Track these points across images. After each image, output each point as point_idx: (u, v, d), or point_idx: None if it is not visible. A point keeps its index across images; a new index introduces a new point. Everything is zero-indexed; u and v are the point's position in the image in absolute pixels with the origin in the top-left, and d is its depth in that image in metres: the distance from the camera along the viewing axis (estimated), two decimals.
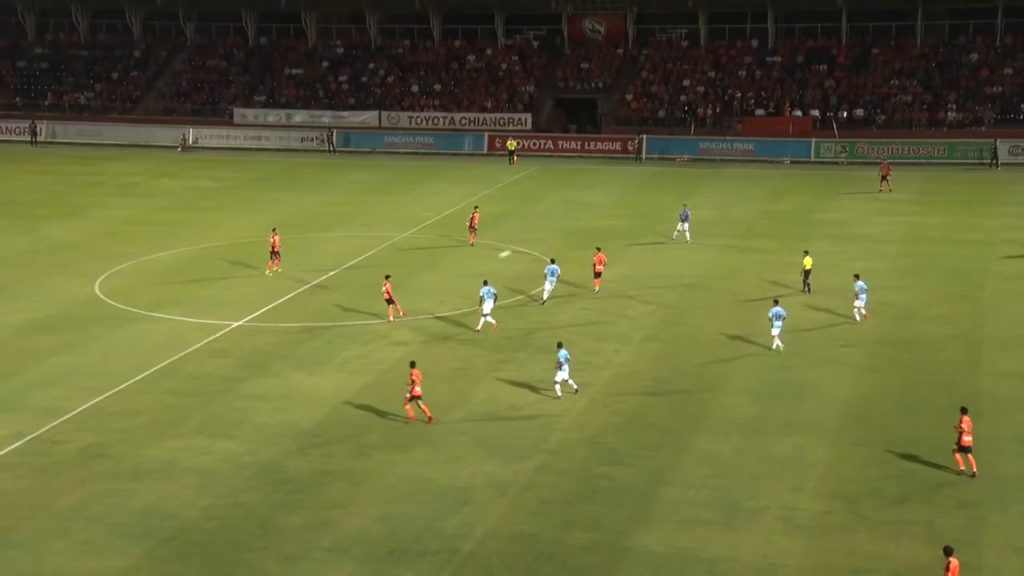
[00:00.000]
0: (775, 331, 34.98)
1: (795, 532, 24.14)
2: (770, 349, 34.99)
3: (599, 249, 43.01)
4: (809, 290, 41.25)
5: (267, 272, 44.75)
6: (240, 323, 38.80)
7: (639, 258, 47.29)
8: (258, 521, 24.92)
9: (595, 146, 76.87)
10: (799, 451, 28.08)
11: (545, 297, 40.42)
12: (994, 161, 68.07)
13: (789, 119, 74.84)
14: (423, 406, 29.74)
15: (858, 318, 37.84)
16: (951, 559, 20.88)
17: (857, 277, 38.39)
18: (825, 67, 78.85)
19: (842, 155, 71.73)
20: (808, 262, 41.55)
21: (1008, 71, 74.78)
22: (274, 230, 45.33)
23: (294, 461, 27.84)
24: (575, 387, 31.62)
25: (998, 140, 68.65)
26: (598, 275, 42.33)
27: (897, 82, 76.10)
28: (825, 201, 58.71)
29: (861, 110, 74.77)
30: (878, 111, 74.09)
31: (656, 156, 74.54)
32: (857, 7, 79.90)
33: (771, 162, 72.09)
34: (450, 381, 33.10)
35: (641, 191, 63.63)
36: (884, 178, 61.01)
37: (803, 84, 78.17)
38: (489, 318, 37.24)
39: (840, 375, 33.26)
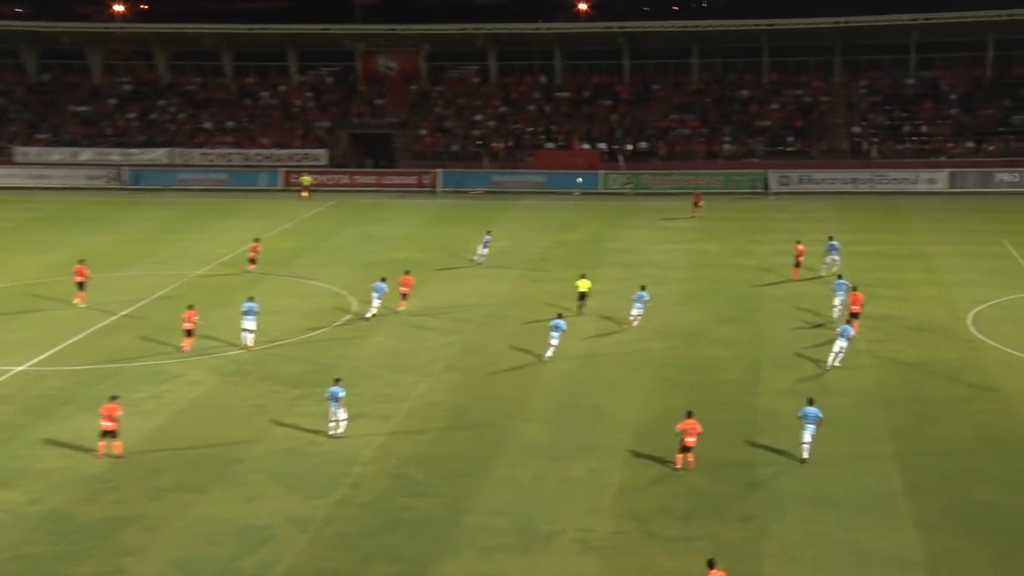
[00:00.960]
0: (553, 341, 37.01)
1: (590, 553, 24.51)
2: (543, 359, 36.52)
3: (407, 272, 43.81)
4: (583, 312, 42.59)
5: (77, 302, 43.57)
6: (24, 367, 36.73)
7: (437, 289, 47.38)
8: (41, 574, 23.51)
9: (391, 180, 76.76)
10: (593, 474, 28.59)
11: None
12: (766, 191, 71.62)
13: (578, 152, 76.72)
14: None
15: (634, 324, 40.60)
16: (713, 571, 21.58)
17: (643, 288, 41.44)
18: (610, 102, 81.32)
19: (628, 186, 73.97)
20: (584, 284, 42.95)
21: (775, 106, 78.99)
22: (81, 261, 43.88)
23: (83, 509, 26.46)
24: (341, 425, 30.68)
25: (769, 171, 72.34)
26: (404, 296, 42.90)
27: (677, 116, 79.19)
28: (613, 230, 60.37)
29: (645, 143, 77.40)
30: (660, 143, 76.84)
31: (451, 189, 75.03)
32: (637, 45, 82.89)
33: (562, 194, 73.68)
34: (248, 418, 32.22)
35: (437, 224, 63.87)
36: (696, 205, 64.04)
37: (590, 118, 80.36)
38: (248, 338, 37.91)
39: (630, 398, 34.09)
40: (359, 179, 77.32)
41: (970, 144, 72.63)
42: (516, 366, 37.16)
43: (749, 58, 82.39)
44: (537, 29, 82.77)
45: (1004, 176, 69.76)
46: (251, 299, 39.12)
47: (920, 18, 76.00)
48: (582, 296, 42.98)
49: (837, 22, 77.20)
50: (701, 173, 73.61)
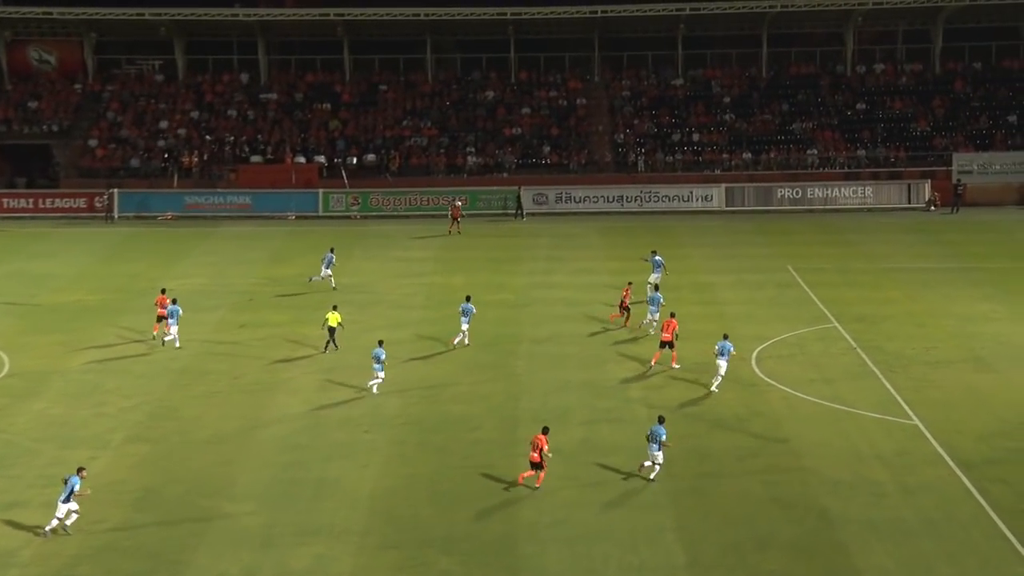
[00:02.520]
0: (379, 374, 39.97)
1: None
2: (365, 390, 39.55)
3: (163, 291, 45.59)
4: (335, 348, 44.15)
5: None
6: None
7: (117, 340, 45.88)
8: None
9: (52, 204, 74.00)
10: (320, 562, 28.36)
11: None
12: (519, 211, 73.36)
13: (291, 167, 76.29)
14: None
15: (461, 342, 44.94)
16: None
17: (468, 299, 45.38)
18: (329, 105, 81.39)
19: (354, 208, 74.05)
20: (334, 318, 44.17)
21: (526, 111, 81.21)
22: None
23: None
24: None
25: (522, 188, 74.13)
26: (161, 319, 44.16)
27: (410, 123, 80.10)
28: (340, 263, 60.24)
29: (373, 155, 77.82)
30: (392, 156, 77.45)
31: (132, 215, 72.96)
32: (360, 37, 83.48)
33: (273, 218, 72.94)
34: None
35: (114, 258, 61.94)
36: (456, 220, 65.01)
37: (305, 125, 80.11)
38: None
39: (364, 467, 34.07)
40: (9, 203, 74.10)
41: (747, 155, 77.03)
42: (219, 434, 36.41)
43: (494, 53, 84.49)
44: (235, 15, 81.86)
45: (785, 192, 74.32)
46: None
47: (687, 8, 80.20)
48: (331, 332, 44.02)
49: (594, 12, 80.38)
50: (442, 191, 74.55)
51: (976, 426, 36.80)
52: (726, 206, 74.22)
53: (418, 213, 73.57)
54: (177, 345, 44.75)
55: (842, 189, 74.45)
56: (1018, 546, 28.90)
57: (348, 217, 73.63)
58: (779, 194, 74.56)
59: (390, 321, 49.45)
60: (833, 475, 33.28)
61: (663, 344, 42.55)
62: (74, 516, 29.85)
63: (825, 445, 35.56)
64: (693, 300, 52.00)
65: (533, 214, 73.42)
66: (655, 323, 46.04)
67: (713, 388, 40.11)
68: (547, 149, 78.48)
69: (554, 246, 64.40)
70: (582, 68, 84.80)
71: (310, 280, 54.18)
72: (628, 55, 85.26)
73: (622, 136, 79.09)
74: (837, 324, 47.85)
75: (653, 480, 32.82)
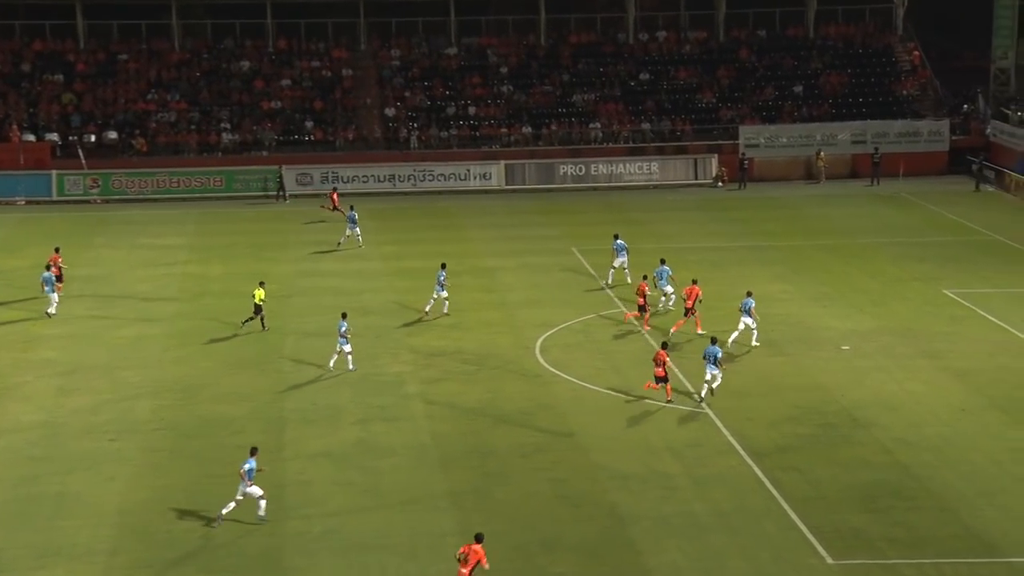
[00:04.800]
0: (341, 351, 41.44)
1: None
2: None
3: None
4: (264, 327, 45.98)
5: None
6: None
7: None
8: None
9: None
10: None
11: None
12: (281, 193, 72.70)
13: (19, 145, 73.88)
14: None
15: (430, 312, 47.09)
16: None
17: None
18: (61, 76, 79.06)
19: (94, 191, 72.26)
20: (259, 294, 45.82)
21: (286, 82, 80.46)
22: None
23: None
24: None
25: (284, 167, 73.47)
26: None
27: (156, 96, 78.46)
28: (77, 252, 58.64)
29: (114, 132, 75.95)
30: (136, 133, 75.73)
31: None
32: (95, 0, 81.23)
33: None
34: None
35: None
36: (336, 208, 64.69)
37: (33, 99, 77.64)
38: None
39: (110, 479, 33.48)
40: None
41: (527, 129, 78.04)
42: None
43: (249, 19, 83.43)
44: None
45: (568, 168, 75.58)
46: None
47: None
48: (257, 309, 45.77)
49: None
50: (194, 172, 73.43)
51: (767, 413, 38.27)
52: (506, 184, 75.05)
53: (168, 196, 72.22)
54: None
55: (627, 165, 76.11)
56: (810, 536, 30.20)
57: (87, 201, 71.76)
58: (562, 171, 75.76)
59: (139, 315, 48.62)
60: (623, 469, 34.15)
61: (687, 312, 44.96)
62: (263, 502, 30.90)
63: (614, 438, 36.45)
64: (474, 286, 52.52)
65: (297, 195, 72.90)
66: (672, 297, 47.92)
67: (729, 343, 43.22)
68: (310, 124, 77.92)
69: (321, 230, 64.08)
70: (347, 36, 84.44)
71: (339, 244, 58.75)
72: (397, 21, 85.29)
73: (392, 110, 79.12)
74: (625, 309, 48.98)
75: (713, 395, 38.20)
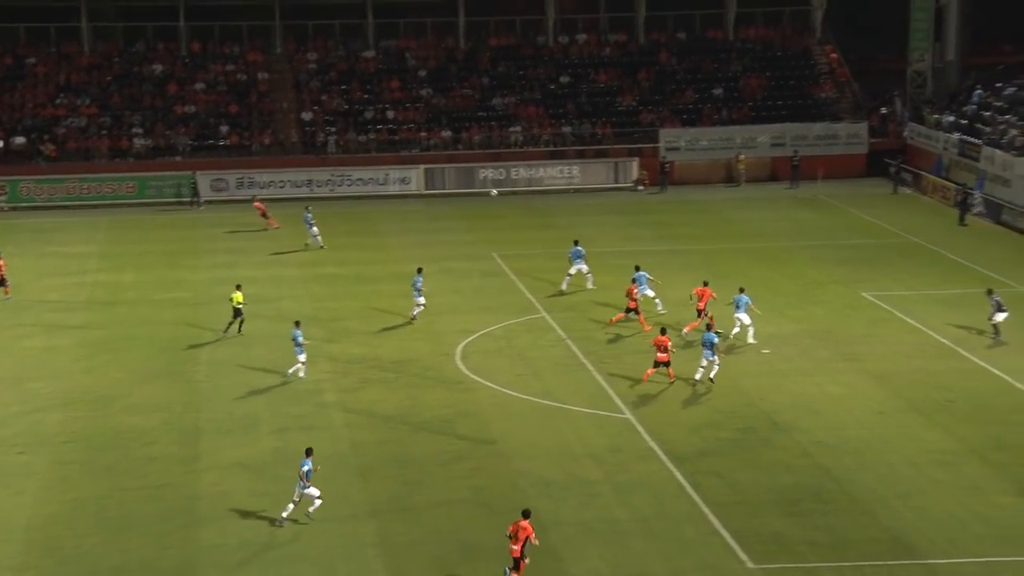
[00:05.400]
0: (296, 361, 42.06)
1: None
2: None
3: None
4: (230, 333, 45.85)
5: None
6: None
7: None
8: None
9: None
10: None
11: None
12: (196, 199, 72.12)
13: None
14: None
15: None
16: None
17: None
18: None
19: (1, 198, 71.32)
20: (237, 297, 45.81)
21: (200, 86, 79.80)
22: None
23: None
24: None
25: (198, 172, 72.90)
26: None
27: (65, 100, 77.53)
28: None
29: (21, 138, 74.93)
30: (45, 139, 74.80)
31: None
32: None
33: None
34: None
35: None
36: (265, 216, 64.56)
37: None
38: None
39: (18, 493, 33.13)
40: None
41: (447, 133, 77.99)
42: None
43: (161, 21, 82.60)
44: None
45: (488, 172, 75.57)
46: None
47: None
48: (236, 312, 45.79)
49: None
50: (106, 178, 72.62)
51: (688, 417, 38.53)
52: (425, 189, 74.90)
53: (78, 203, 71.34)
54: None
55: (547, 169, 76.20)
56: (731, 541, 30.43)
57: None
58: (482, 175, 75.72)
59: (48, 325, 48.03)
60: (544, 476, 34.23)
61: (699, 313, 45.52)
62: (318, 502, 31.39)
63: (535, 445, 36.50)
64: (393, 292, 52.38)
65: (212, 201, 72.35)
66: (657, 301, 48.35)
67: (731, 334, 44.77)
68: (226, 129, 77.35)
69: (237, 237, 63.72)
70: (262, 39, 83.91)
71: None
72: (313, 24, 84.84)
73: (309, 114, 78.74)
74: (546, 314, 49.13)
75: (713, 382, 39.53)
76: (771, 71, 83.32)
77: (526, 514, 28.46)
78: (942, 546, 30.07)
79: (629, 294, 46.82)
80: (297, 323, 42.20)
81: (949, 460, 35.17)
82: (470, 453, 36.03)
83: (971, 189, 67.23)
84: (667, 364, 40.72)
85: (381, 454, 35.81)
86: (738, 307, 44.65)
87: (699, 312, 45.68)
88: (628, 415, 38.66)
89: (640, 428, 37.63)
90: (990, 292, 46.50)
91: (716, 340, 40.62)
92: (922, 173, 74.14)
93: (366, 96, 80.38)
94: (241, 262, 58.48)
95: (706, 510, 32.07)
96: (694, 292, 46.27)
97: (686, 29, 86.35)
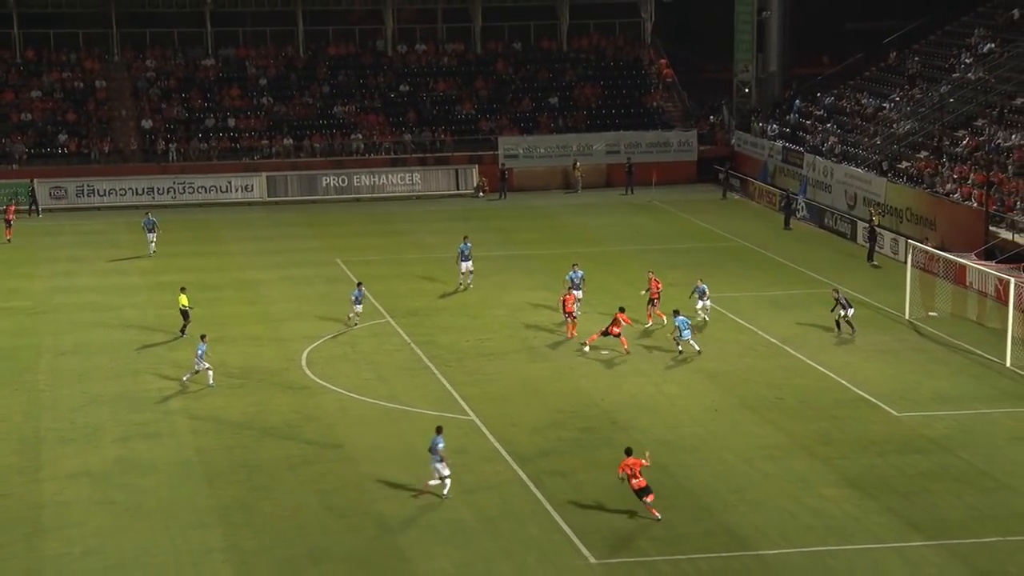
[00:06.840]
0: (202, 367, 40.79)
1: None
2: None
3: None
4: (185, 333, 45.82)
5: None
6: None
7: None
8: None
9: None
10: None
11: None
12: (34, 207, 70.41)
13: None
14: None
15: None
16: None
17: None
18: None
19: None
20: (183, 299, 45.97)
21: (36, 93, 77.95)
22: None
23: None
24: None
25: (36, 180, 71.18)
26: None
27: None
28: None
29: None
30: None
31: None
32: None
33: None
34: None
35: None
36: (9, 224, 63.43)
37: None
38: None
39: None
40: None
41: (288, 141, 77.33)
42: None
43: None
44: None
45: (331, 180, 75.19)
46: None
47: None
48: (184, 314, 45.96)
49: None
50: None
51: (531, 418, 38.77)
52: (268, 196, 74.23)
53: None
54: None
55: (389, 176, 76.13)
56: (573, 538, 30.70)
57: None
58: (324, 182, 75.30)
59: None
60: (391, 479, 34.13)
61: (651, 302, 47.99)
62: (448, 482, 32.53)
63: (381, 448, 36.42)
64: (236, 299, 51.88)
65: (50, 210, 70.71)
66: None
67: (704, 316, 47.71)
68: (64, 137, 75.65)
69: (77, 245, 62.47)
70: (99, 46, 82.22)
71: None
72: (151, 32, 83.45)
73: (149, 122, 77.42)
74: (390, 319, 49.04)
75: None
76: (604, 80, 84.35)
77: (628, 452, 31.78)
78: (773, 538, 30.72)
79: (563, 303, 47.07)
80: (203, 336, 41.86)
81: (779, 455, 35.95)
82: (317, 457, 35.79)
83: (795, 194, 68.90)
84: (618, 336, 43.92)
85: (228, 460, 35.37)
86: (697, 295, 47.77)
87: (651, 301, 47.86)
88: (473, 417, 38.77)
89: (485, 430, 37.77)
90: (836, 291, 47.74)
91: (689, 323, 44.19)
92: (749, 179, 75.80)
93: (206, 104, 79.33)
94: (81, 270, 57.44)
95: (549, 508, 32.31)
96: (651, 283, 48.35)
97: (521, 39, 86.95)
